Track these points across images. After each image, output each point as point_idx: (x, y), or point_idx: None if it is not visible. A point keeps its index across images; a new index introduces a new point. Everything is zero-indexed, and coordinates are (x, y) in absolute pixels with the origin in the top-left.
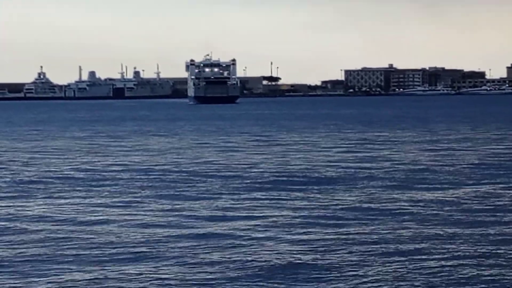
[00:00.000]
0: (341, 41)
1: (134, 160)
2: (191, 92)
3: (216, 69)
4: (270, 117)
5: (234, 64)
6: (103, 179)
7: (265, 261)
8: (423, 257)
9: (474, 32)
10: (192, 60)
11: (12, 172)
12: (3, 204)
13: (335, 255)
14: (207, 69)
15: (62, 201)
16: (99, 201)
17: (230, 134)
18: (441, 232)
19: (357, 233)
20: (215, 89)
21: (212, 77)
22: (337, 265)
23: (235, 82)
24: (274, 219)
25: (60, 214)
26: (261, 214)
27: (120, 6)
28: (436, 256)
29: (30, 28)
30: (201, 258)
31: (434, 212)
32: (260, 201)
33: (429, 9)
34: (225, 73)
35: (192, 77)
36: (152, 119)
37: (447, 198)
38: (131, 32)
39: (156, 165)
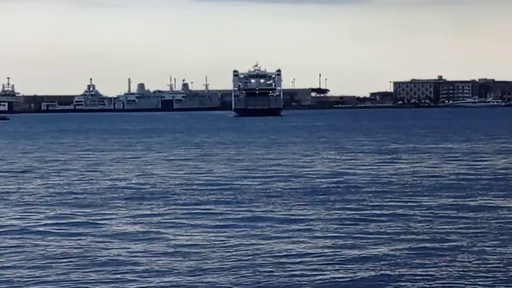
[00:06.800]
0: (389, 53)
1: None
2: (234, 104)
3: (262, 80)
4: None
5: (279, 74)
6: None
7: None
8: None
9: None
10: (235, 71)
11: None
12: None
13: None
14: (252, 80)
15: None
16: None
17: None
18: None
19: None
20: (257, 101)
21: (257, 88)
22: None
23: (278, 93)
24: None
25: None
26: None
27: (168, 19)
28: None
29: (80, 41)
30: None
31: None
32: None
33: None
34: (273, 84)
35: (235, 88)
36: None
37: None
38: (180, 45)
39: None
